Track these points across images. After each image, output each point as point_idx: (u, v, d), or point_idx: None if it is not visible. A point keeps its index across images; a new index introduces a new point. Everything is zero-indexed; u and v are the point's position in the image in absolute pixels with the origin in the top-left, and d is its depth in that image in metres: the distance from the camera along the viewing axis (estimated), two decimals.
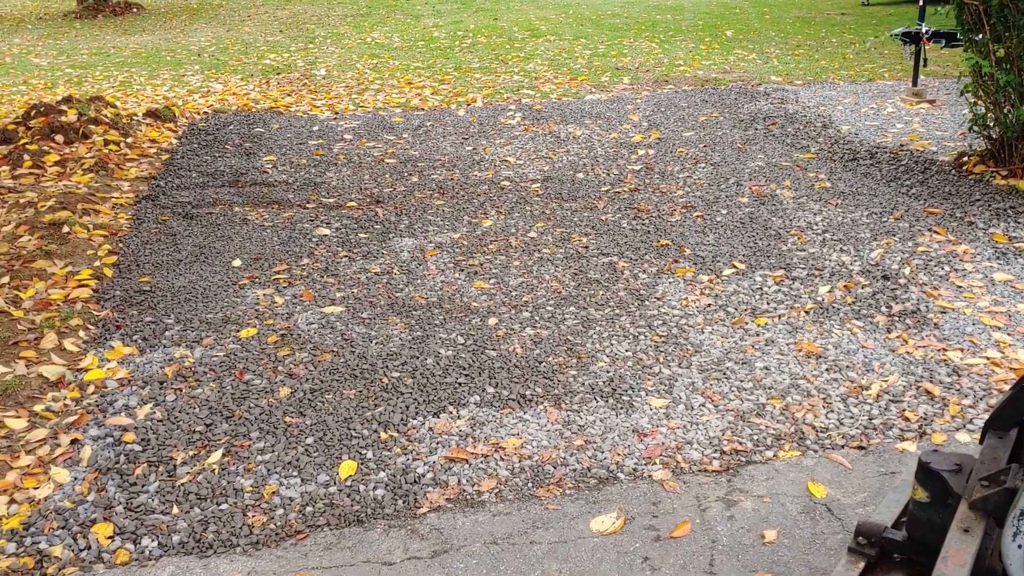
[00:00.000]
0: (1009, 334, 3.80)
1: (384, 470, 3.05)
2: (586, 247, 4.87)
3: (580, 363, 3.70)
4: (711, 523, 2.78)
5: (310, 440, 3.21)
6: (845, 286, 4.28)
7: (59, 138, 6.75)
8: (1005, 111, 5.61)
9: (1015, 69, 5.43)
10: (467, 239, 5.02)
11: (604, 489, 2.96)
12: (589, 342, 3.87)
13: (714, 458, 3.09)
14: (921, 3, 7.57)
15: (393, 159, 6.58)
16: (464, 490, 2.96)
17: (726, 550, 2.67)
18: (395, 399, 3.45)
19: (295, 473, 3.04)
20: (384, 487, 2.97)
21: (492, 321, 4.06)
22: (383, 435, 3.23)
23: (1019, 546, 1.71)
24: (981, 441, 2.14)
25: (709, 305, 4.16)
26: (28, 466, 3.10)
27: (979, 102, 5.80)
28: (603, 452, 3.13)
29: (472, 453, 3.13)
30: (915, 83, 8.07)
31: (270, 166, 6.45)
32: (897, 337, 3.82)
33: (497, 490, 2.96)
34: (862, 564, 2.12)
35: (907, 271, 4.40)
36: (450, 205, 5.57)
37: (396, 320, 4.09)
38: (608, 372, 3.63)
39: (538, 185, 5.92)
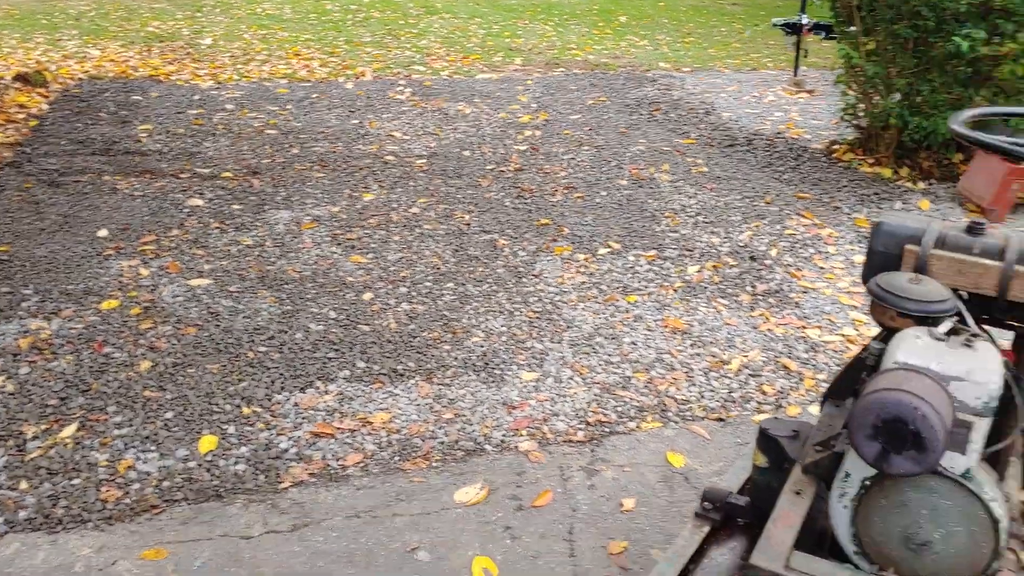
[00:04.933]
0: (865, 313, 3.98)
1: (246, 445, 2.99)
2: (468, 224, 4.87)
3: (455, 338, 3.70)
4: (572, 492, 2.83)
5: (170, 414, 3.12)
6: (714, 266, 4.40)
7: None
8: (873, 101, 5.86)
9: (883, 62, 5.67)
10: (346, 213, 4.95)
11: (470, 461, 2.98)
12: (465, 317, 3.87)
13: (579, 429, 3.14)
14: None
15: (274, 130, 6.43)
16: (328, 465, 2.93)
17: (585, 518, 2.72)
18: (260, 374, 3.38)
19: (153, 448, 2.96)
20: (245, 462, 2.92)
21: (367, 296, 4.02)
22: (246, 410, 3.17)
23: (844, 507, 1.79)
24: (821, 410, 2.23)
25: (583, 283, 4.22)
26: None
27: (850, 92, 6.04)
28: (472, 424, 3.15)
29: (338, 428, 3.10)
30: (796, 73, 8.34)
31: (145, 135, 6.21)
32: (760, 315, 3.96)
33: (363, 464, 2.94)
34: (706, 528, 2.18)
35: (773, 253, 4.56)
36: (331, 178, 5.48)
37: (266, 294, 4.00)
38: (482, 347, 3.64)
39: (423, 161, 5.88)
